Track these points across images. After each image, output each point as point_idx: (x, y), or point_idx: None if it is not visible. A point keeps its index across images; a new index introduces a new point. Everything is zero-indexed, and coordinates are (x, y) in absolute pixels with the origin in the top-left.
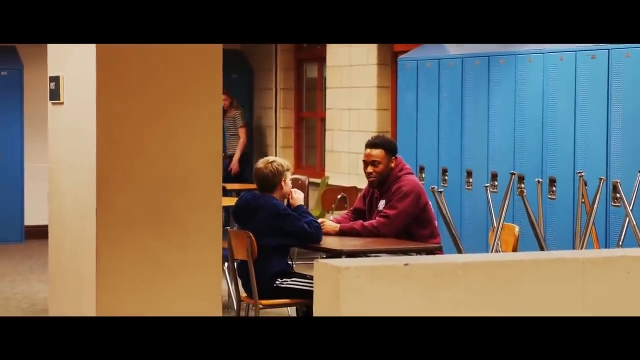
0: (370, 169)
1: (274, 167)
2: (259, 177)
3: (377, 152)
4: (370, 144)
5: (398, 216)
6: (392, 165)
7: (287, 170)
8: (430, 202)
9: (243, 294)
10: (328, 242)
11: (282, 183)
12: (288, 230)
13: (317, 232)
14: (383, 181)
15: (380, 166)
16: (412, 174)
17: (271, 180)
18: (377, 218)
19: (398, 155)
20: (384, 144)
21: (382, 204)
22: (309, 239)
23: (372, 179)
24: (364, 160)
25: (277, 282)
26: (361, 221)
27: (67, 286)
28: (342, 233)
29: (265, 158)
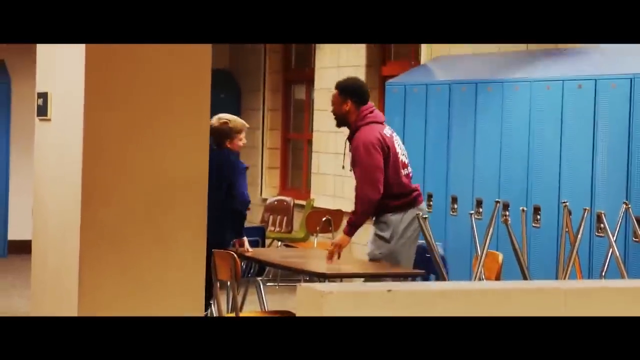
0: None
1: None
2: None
3: (333, 93)
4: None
5: (360, 180)
6: (347, 108)
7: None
8: (395, 148)
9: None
10: (312, 265)
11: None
12: (232, 180)
13: (247, 204)
14: (343, 125)
15: (333, 107)
16: (375, 123)
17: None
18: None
19: (370, 102)
20: (340, 84)
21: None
22: (242, 204)
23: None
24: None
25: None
26: (350, 217)
27: (49, 302)
28: (352, 234)
29: (218, 116)
